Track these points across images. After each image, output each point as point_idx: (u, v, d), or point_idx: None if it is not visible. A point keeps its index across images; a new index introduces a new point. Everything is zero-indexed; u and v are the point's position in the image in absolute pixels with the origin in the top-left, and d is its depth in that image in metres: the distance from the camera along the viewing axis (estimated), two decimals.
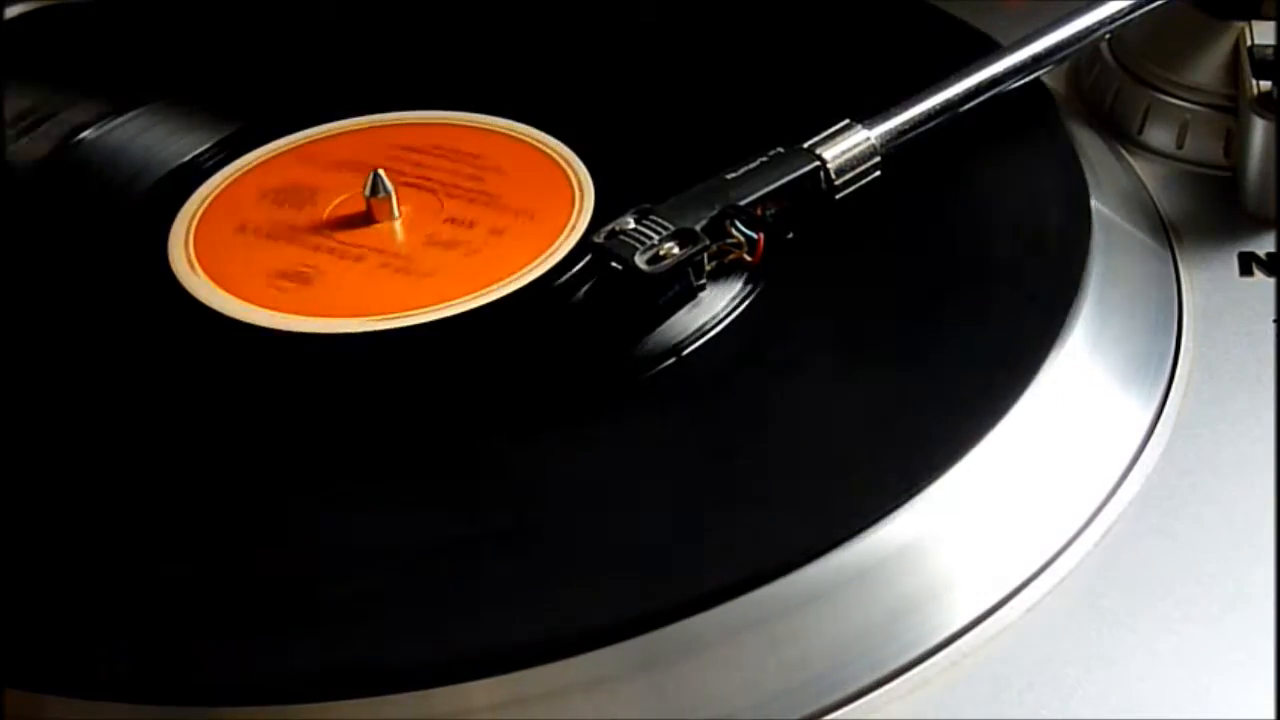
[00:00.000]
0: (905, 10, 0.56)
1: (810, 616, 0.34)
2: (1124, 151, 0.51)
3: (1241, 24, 0.51)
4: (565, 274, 0.45)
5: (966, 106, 0.47)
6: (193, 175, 0.51)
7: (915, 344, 0.41)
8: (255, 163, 0.51)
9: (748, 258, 0.43)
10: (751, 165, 0.44)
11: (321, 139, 0.52)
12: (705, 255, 0.43)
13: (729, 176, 0.44)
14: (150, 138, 0.53)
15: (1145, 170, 0.50)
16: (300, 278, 0.45)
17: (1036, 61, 0.48)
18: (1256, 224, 0.47)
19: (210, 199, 0.50)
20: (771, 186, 0.44)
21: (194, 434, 0.40)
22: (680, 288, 0.43)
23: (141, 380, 0.43)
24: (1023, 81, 0.48)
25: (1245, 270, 0.46)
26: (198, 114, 0.54)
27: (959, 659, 0.35)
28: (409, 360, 0.42)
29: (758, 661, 0.34)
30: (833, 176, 0.44)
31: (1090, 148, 0.49)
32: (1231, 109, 0.49)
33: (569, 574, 0.35)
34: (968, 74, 0.47)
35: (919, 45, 0.54)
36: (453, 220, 0.47)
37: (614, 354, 0.42)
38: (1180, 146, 0.51)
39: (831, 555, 0.34)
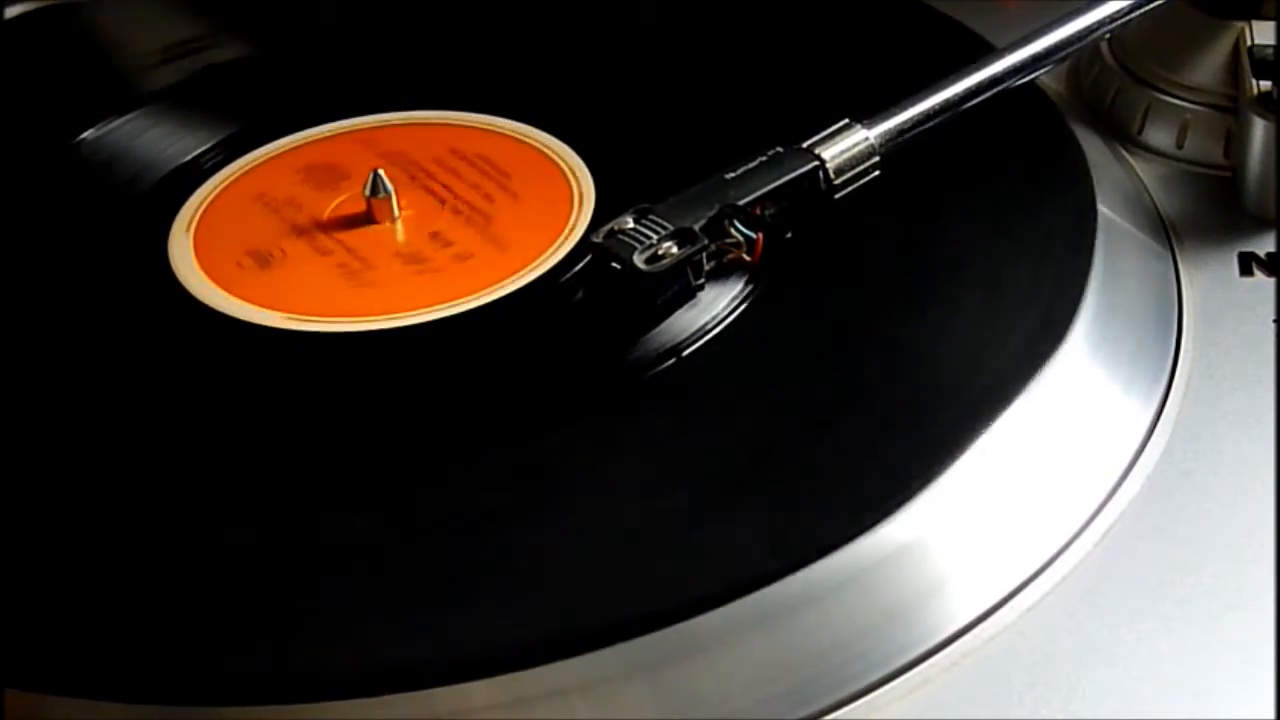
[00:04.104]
0: (904, 11, 0.56)
1: (810, 616, 0.34)
2: (1124, 151, 0.51)
3: (1241, 24, 0.51)
4: (565, 274, 0.45)
5: (966, 106, 0.47)
6: (193, 175, 0.51)
7: (915, 343, 0.41)
8: (256, 162, 0.51)
9: (746, 257, 0.43)
10: (751, 165, 0.44)
11: (322, 139, 0.52)
12: (704, 255, 0.43)
13: (728, 176, 0.44)
14: (150, 138, 0.53)
15: (1145, 170, 0.50)
16: (264, 261, 0.46)
17: (1036, 61, 0.48)
18: (1256, 224, 0.47)
19: (210, 199, 0.50)
20: (770, 186, 0.44)
21: (194, 434, 0.40)
22: (679, 287, 0.43)
23: (142, 380, 0.43)
24: (1022, 81, 0.48)
25: (1245, 270, 0.46)
26: (198, 114, 0.54)
27: (959, 659, 0.35)
28: (409, 361, 0.42)
29: (758, 661, 0.34)
30: (832, 176, 0.44)
31: (1090, 148, 0.49)
32: (1231, 109, 0.49)
33: (569, 574, 0.35)
34: (967, 74, 0.47)
35: (918, 46, 0.54)
36: (435, 236, 0.47)
37: (613, 354, 0.42)
38: (1180, 146, 0.51)
39: (831, 555, 0.34)
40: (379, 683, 0.33)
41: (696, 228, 0.42)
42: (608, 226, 0.43)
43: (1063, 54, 0.48)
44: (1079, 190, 0.45)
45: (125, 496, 0.39)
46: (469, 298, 0.44)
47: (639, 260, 0.42)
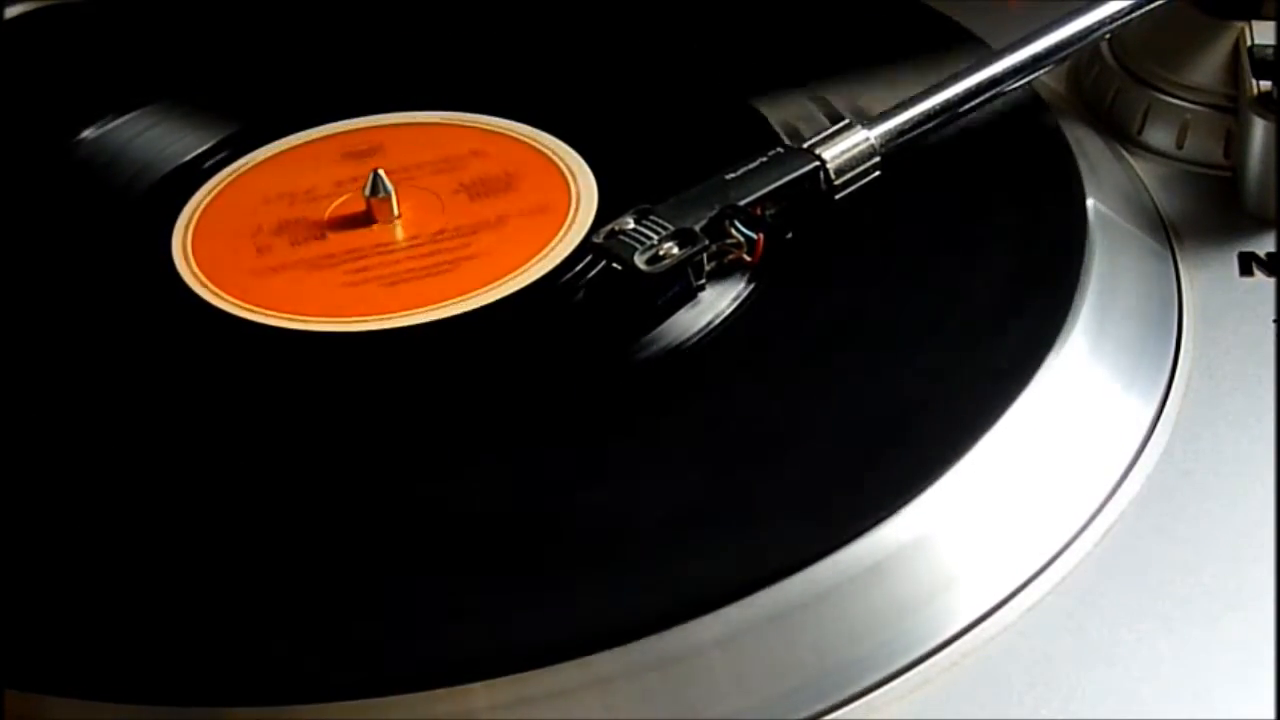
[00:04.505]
0: (904, 12, 0.56)
1: (810, 617, 0.34)
2: (1124, 151, 0.51)
3: (1241, 24, 0.51)
4: (565, 274, 0.45)
5: (966, 107, 0.47)
6: (193, 175, 0.51)
7: (915, 344, 0.41)
8: (256, 162, 0.51)
9: (747, 258, 0.43)
10: (751, 165, 0.44)
11: (321, 138, 0.52)
12: (705, 255, 0.43)
13: (729, 176, 0.44)
14: (150, 138, 0.53)
15: (1145, 170, 0.50)
16: (265, 261, 0.46)
17: (1036, 61, 0.48)
18: (1256, 224, 0.47)
19: (211, 198, 0.50)
20: (771, 186, 0.44)
21: (195, 433, 0.40)
22: (680, 288, 0.43)
23: (142, 379, 0.43)
24: (1023, 82, 0.48)
25: (1245, 270, 0.46)
26: (198, 114, 0.54)
27: (959, 659, 0.35)
28: (409, 361, 0.42)
29: (758, 662, 0.34)
30: (832, 176, 0.44)
31: (1090, 148, 0.49)
32: (1231, 109, 0.49)
33: (569, 575, 0.35)
34: (967, 74, 0.47)
35: (919, 45, 0.54)
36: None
37: (614, 355, 0.42)
38: (1180, 146, 0.51)
39: (832, 555, 0.34)
40: (379, 683, 0.33)
41: (697, 228, 0.42)
42: (608, 227, 0.43)
43: (1063, 54, 0.48)
44: (1075, 190, 0.45)
45: (125, 496, 0.39)
46: (468, 297, 0.44)
47: (640, 261, 0.42)
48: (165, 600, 0.35)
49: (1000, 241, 0.44)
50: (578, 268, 0.45)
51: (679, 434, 0.39)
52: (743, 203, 0.43)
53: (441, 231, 0.47)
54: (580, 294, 0.44)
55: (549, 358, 0.42)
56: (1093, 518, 0.38)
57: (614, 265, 0.43)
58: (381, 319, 0.43)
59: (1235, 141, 0.49)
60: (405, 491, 0.38)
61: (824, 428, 0.38)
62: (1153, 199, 0.49)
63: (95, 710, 0.33)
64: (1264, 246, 0.46)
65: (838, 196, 0.45)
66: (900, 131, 0.45)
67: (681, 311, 0.42)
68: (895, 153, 0.45)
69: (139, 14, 0.61)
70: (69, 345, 0.44)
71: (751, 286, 0.43)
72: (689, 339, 0.42)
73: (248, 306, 0.44)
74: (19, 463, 0.40)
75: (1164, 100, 0.51)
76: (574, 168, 0.49)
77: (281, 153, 0.52)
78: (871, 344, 0.41)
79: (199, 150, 0.52)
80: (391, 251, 0.46)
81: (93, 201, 0.51)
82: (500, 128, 0.52)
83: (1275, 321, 0.44)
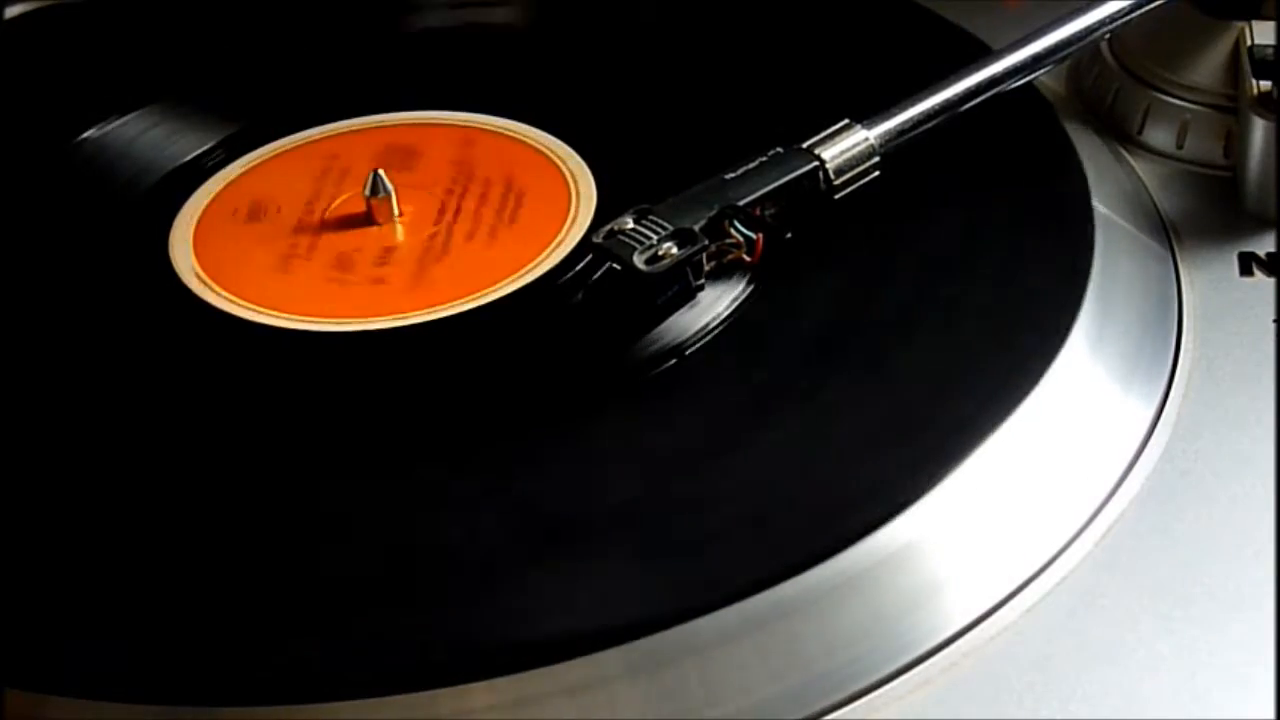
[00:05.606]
0: (903, 13, 0.56)
1: (810, 617, 0.34)
2: (1124, 151, 0.51)
3: (1241, 24, 0.51)
4: (565, 275, 0.45)
5: (966, 107, 0.47)
6: (193, 175, 0.51)
7: (915, 344, 0.41)
8: (256, 162, 0.51)
9: (746, 258, 0.43)
10: (750, 165, 0.44)
11: (322, 139, 0.52)
12: (704, 255, 0.43)
13: (728, 176, 0.44)
14: (151, 138, 0.53)
15: (1145, 170, 0.50)
16: (291, 272, 0.46)
17: (1036, 61, 0.48)
18: (1256, 224, 0.47)
19: (211, 199, 0.50)
20: (770, 186, 0.44)
21: (194, 434, 0.40)
22: (679, 288, 0.43)
23: (142, 380, 0.43)
24: (1022, 81, 0.48)
25: (1245, 270, 0.46)
26: (198, 114, 0.54)
27: (959, 659, 0.35)
28: (409, 361, 0.42)
29: (758, 662, 0.34)
30: (831, 176, 0.44)
31: (1090, 148, 0.49)
32: (1231, 109, 0.49)
33: (569, 575, 0.35)
34: (967, 74, 0.47)
35: (918, 46, 0.54)
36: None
37: (613, 355, 0.42)
38: (1180, 146, 0.51)
39: (832, 556, 0.34)
40: (379, 683, 0.33)
41: (696, 228, 0.42)
42: (608, 227, 0.43)
43: (1063, 54, 0.48)
44: (1078, 190, 0.45)
45: (125, 496, 0.39)
46: (468, 298, 0.44)
47: (639, 261, 0.42)
48: (165, 600, 0.35)
49: (1000, 242, 0.44)
50: (577, 268, 0.45)
51: (678, 435, 0.39)
52: (742, 203, 0.43)
53: (441, 231, 0.47)
54: (579, 294, 0.44)
55: (549, 358, 0.42)
56: (1093, 518, 0.38)
57: (613, 265, 0.43)
58: (381, 319, 0.43)
59: (1235, 141, 0.49)
60: (404, 492, 0.38)
61: (824, 428, 0.38)
62: (1153, 199, 0.49)
63: (95, 710, 0.33)
64: (1264, 246, 0.46)
65: (837, 196, 0.45)
66: (900, 131, 0.45)
67: (681, 312, 0.42)
68: (895, 153, 0.45)
69: (139, 14, 0.61)
70: (69, 346, 0.44)
71: (751, 287, 0.43)
72: (689, 339, 0.42)
73: (248, 306, 0.44)
74: (19, 463, 0.40)
75: (1164, 100, 0.51)
76: (574, 168, 0.49)
77: (281, 153, 0.52)
78: (871, 345, 0.41)
79: (199, 150, 0.52)
80: (391, 251, 0.46)
81: (94, 201, 0.51)
82: (501, 127, 0.52)
83: (1275, 321, 0.44)
